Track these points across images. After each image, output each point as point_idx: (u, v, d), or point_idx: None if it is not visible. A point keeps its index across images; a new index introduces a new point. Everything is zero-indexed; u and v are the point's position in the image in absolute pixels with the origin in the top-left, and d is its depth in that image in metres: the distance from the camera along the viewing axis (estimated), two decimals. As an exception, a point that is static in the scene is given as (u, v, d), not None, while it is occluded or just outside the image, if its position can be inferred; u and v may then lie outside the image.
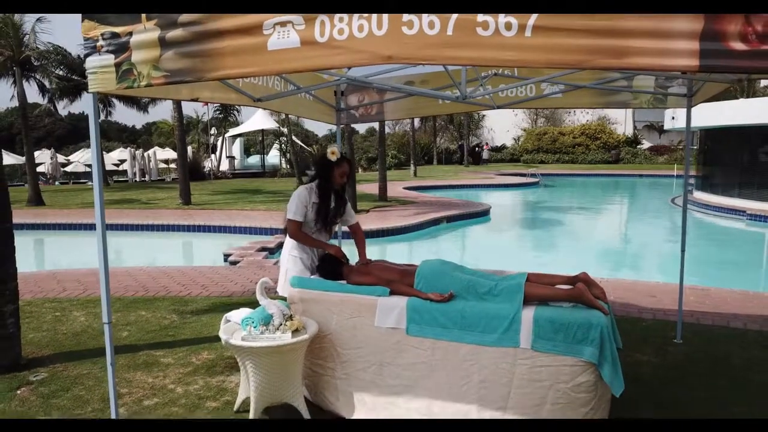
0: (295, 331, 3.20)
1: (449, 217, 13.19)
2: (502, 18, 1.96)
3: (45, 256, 11.70)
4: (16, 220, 4.43)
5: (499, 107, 4.89)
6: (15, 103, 18.91)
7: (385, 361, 3.32)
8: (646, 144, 39.36)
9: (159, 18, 2.44)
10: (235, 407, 3.44)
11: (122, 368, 4.11)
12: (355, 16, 2.13)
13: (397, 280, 3.44)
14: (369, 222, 11.72)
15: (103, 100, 24.88)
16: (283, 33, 2.24)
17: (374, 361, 3.34)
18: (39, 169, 23.47)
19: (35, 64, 19.70)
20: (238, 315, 3.38)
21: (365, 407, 3.35)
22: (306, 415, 3.28)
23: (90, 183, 27.08)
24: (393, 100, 5.09)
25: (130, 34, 2.52)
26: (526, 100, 4.72)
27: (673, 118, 17.25)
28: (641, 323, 5.12)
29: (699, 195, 17.18)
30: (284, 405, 3.35)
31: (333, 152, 3.76)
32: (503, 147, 42.51)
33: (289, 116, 20.99)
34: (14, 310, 4.13)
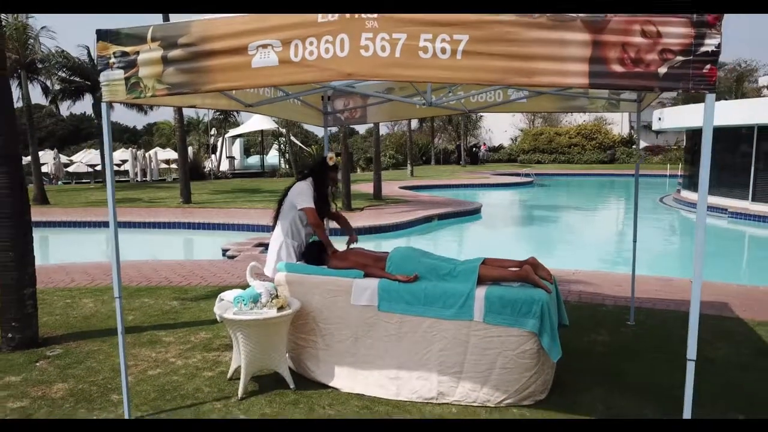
0: (280, 308, 3.69)
1: (441, 215, 13.65)
2: (438, 44, 2.44)
3: (53, 252, 12.17)
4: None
5: (470, 111, 5.38)
6: (19, 104, 19.43)
7: (360, 333, 3.81)
8: (641, 144, 39.81)
9: (161, 40, 2.92)
10: (228, 375, 3.94)
11: (128, 345, 4.58)
12: (323, 40, 2.61)
13: (371, 264, 3.95)
14: (363, 220, 12.20)
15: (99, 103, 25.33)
16: (264, 54, 2.73)
17: (350, 334, 3.84)
18: (42, 169, 23.92)
19: (39, 66, 20.23)
20: (230, 294, 3.87)
21: (343, 373, 3.84)
22: (290, 381, 3.77)
23: (92, 183, 27.61)
24: (375, 104, 5.58)
25: (138, 53, 3.00)
26: (495, 104, 5.20)
27: (659, 119, 17.73)
28: (602, 308, 5.60)
29: (686, 194, 17.65)
30: (271, 374, 3.84)
31: (331, 158, 4.37)
32: (500, 147, 43.01)
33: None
34: (32, 293, 4.62)
